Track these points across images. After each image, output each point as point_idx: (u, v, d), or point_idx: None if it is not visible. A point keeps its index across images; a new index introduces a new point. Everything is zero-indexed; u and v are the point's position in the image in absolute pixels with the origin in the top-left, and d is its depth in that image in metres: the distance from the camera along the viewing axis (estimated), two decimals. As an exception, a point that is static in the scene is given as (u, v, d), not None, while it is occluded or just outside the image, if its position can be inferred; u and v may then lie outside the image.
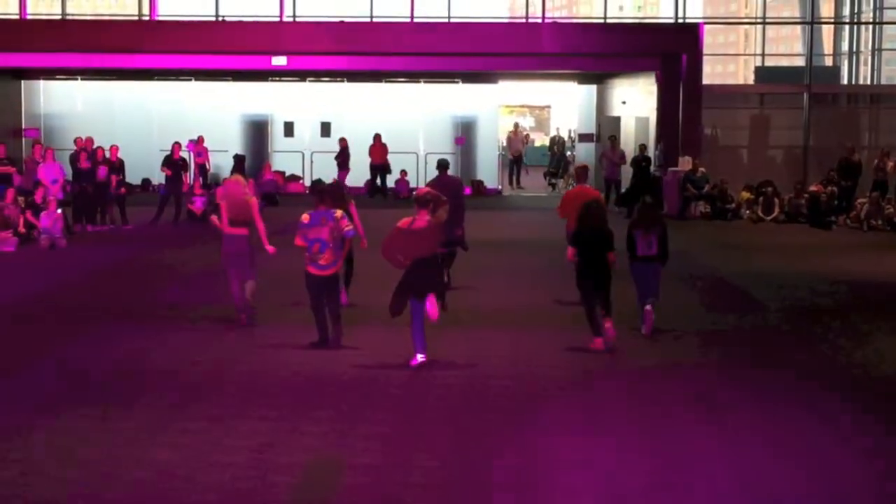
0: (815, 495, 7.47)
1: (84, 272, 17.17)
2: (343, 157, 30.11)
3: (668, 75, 27.91)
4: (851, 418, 9.30)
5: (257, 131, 32.83)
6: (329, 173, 30.84)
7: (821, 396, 9.97)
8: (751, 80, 34.53)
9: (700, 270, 17.74)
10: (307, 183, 31.27)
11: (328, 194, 11.71)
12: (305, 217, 11.43)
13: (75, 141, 24.29)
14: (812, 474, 7.84)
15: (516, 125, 37.12)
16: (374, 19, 30.13)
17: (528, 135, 44.07)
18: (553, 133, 40.83)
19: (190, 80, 32.41)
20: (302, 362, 11.05)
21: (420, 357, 10.81)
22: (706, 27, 29.36)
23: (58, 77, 32.17)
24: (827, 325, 13.39)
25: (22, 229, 20.04)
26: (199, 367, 10.85)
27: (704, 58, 28.24)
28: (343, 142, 30.38)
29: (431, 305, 10.69)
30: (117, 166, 23.42)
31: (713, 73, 42.42)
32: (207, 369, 10.78)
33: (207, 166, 28.40)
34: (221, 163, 29.95)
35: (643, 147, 27.49)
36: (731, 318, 13.76)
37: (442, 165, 15.45)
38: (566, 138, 38.80)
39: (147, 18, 31.16)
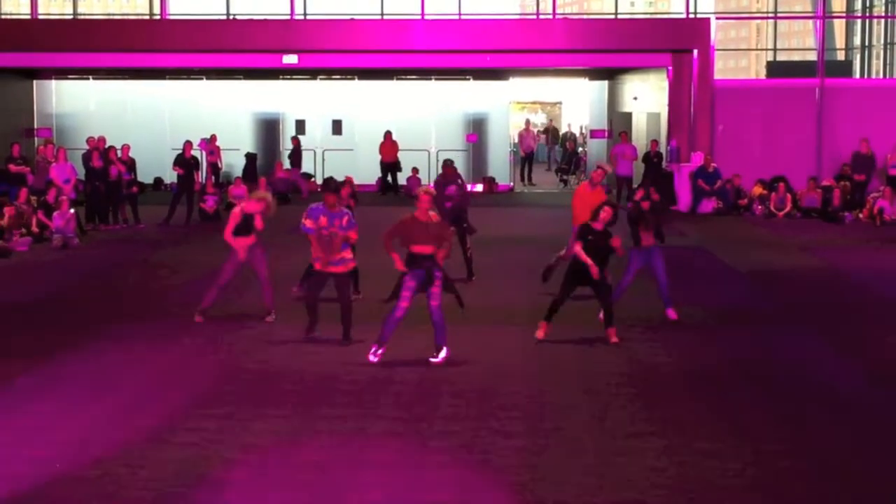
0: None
1: (97, 272, 17.20)
2: (296, 157, 30.21)
3: (680, 71, 27.87)
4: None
5: (269, 129, 32.85)
6: (341, 170, 30.82)
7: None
8: (762, 74, 34.41)
9: (711, 265, 17.73)
10: (318, 181, 31.29)
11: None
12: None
13: (87, 140, 24.35)
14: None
15: (528, 122, 36.99)
16: (385, 17, 30.12)
17: (555, 127, 43.10)
18: (564, 129, 40.73)
19: (201, 78, 32.45)
20: (313, 360, 11.08)
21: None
22: (717, 22, 29.27)
23: (69, 77, 32.21)
24: (837, 320, 13.36)
25: (35, 229, 20.10)
26: (210, 365, 10.88)
27: (716, 53, 28.16)
28: (295, 140, 30.52)
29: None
30: (129, 165, 23.46)
31: (725, 67, 42.31)
32: (219, 367, 10.81)
33: (219, 165, 28.44)
34: (233, 161, 29.99)
35: (655, 143, 27.44)
36: (739, 312, 13.74)
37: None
38: (578, 134, 38.70)
39: (158, 17, 31.20)
